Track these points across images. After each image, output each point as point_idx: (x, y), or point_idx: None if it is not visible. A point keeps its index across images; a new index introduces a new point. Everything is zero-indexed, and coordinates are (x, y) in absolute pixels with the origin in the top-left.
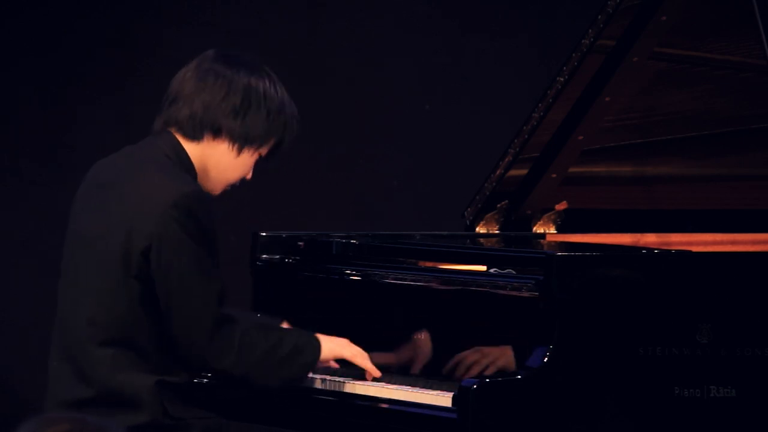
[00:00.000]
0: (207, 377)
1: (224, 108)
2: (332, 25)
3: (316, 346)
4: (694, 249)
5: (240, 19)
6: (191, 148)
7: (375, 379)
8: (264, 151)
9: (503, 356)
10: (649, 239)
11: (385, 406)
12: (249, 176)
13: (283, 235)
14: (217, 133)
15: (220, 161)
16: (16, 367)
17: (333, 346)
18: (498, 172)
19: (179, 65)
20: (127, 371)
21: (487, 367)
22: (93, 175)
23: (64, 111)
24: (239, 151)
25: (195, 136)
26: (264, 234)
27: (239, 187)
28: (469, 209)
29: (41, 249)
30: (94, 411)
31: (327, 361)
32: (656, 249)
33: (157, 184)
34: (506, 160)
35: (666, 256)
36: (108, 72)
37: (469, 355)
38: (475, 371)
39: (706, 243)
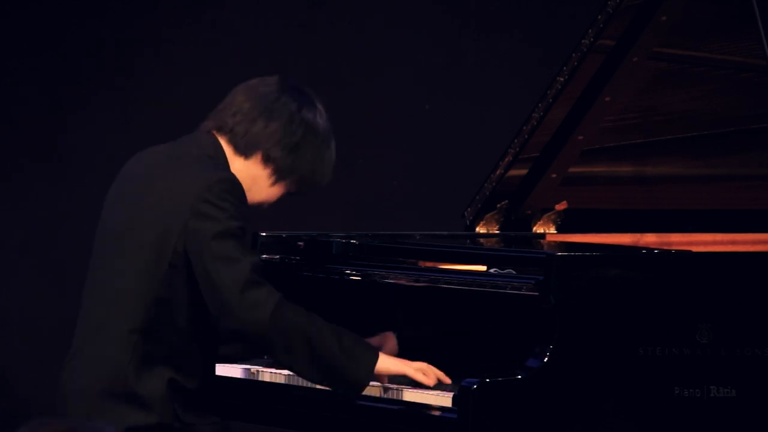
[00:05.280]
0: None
1: (282, 140)
2: (332, 25)
3: (373, 354)
4: (694, 249)
5: (239, 19)
6: (235, 162)
7: (374, 379)
8: (293, 188)
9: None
10: (649, 239)
11: (384, 406)
12: (267, 205)
13: (283, 235)
14: (266, 160)
15: (255, 183)
16: (16, 367)
17: (394, 360)
18: (498, 172)
19: (178, 65)
20: (144, 370)
21: None
22: (128, 168)
23: (63, 110)
24: (276, 181)
25: (245, 153)
26: (264, 234)
27: None
28: (469, 209)
29: (41, 249)
30: (105, 405)
31: (384, 373)
32: (656, 249)
33: (193, 174)
34: (506, 160)
35: (666, 256)
36: (108, 72)
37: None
38: None
39: (706, 243)
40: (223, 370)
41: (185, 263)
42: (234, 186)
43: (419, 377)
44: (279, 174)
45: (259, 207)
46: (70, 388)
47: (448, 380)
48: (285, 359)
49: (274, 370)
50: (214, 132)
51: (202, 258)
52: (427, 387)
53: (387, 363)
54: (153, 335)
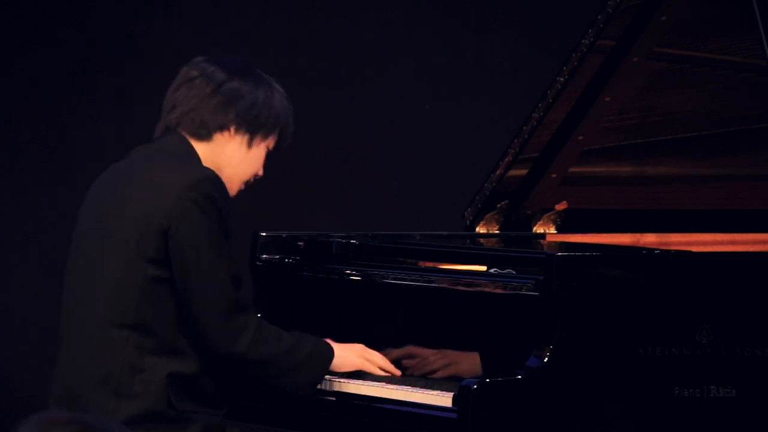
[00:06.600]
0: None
1: (215, 105)
2: (332, 24)
3: (329, 355)
4: (694, 249)
5: (238, 18)
6: (201, 148)
7: (375, 379)
8: (271, 142)
9: (468, 361)
10: (649, 239)
11: (385, 406)
12: (261, 172)
13: (283, 235)
14: (225, 129)
15: (232, 157)
16: (16, 367)
17: (347, 356)
18: (498, 172)
19: (178, 65)
20: (136, 358)
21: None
22: (108, 172)
23: (63, 109)
24: (249, 143)
25: (202, 135)
26: (264, 234)
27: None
28: (469, 209)
29: (41, 248)
30: (97, 397)
31: (339, 369)
32: (656, 249)
33: (174, 171)
34: (506, 160)
35: (666, 256)
36: (108, 71)
37: (432, 358)
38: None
39: (706, 243)
40: None
41: (169, 260)
42: (217, 184)
43: (369, 368)
44: (247, 132)
45: (249, 185)
46: (58, 387)
47: (397, 372)
48: (257, 374)
49: None
50: (176, 129)
51: (187, 269)
52: (426, 387)
53: (342, 360)
54: (141, 329)
